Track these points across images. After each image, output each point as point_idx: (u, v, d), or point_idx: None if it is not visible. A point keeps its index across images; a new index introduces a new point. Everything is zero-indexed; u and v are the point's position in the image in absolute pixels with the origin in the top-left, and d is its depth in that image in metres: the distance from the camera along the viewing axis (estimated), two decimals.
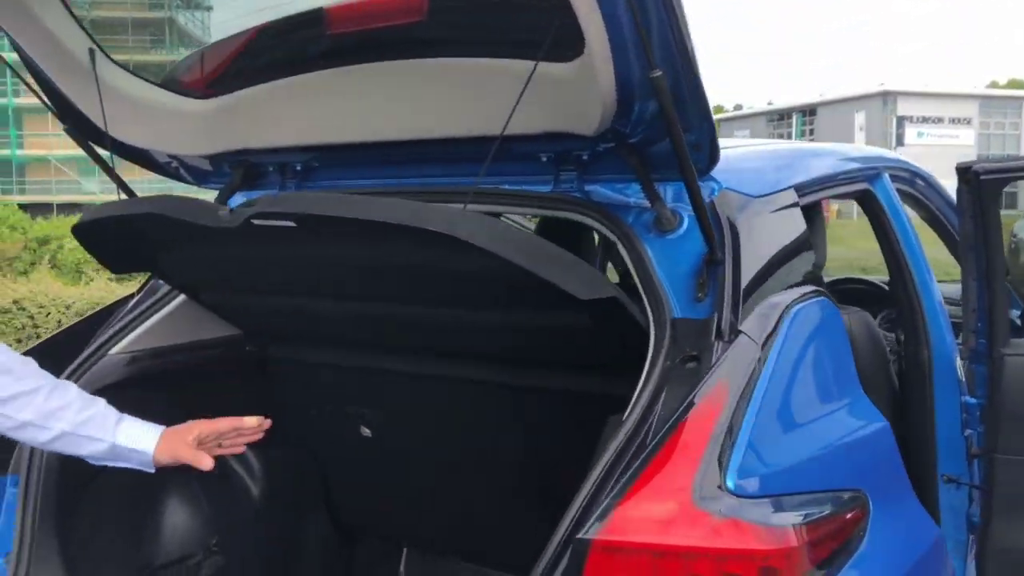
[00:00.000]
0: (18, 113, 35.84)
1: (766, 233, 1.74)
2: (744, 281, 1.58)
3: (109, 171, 2.18)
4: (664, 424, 1.33)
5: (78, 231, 1.84)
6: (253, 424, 1.73)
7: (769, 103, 63.75)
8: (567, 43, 1.54)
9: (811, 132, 46.32)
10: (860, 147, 2.84)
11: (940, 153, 29.51)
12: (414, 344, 2.07)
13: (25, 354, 1.80)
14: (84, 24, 1.99)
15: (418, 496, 2.48)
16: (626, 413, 1.42)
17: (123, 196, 2.15)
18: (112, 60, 2.05)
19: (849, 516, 1.45)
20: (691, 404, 1.33)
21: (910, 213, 2.46)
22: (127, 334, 2.15)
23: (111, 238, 1.91)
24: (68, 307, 7.85)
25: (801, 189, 1.91)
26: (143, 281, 2.35)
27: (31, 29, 1.90)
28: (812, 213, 2.05)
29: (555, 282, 1.39)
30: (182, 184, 2.46)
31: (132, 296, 2.33)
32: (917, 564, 1.69)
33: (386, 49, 1.90)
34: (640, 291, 1.61)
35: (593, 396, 1.93)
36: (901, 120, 42.59)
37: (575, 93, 1.56)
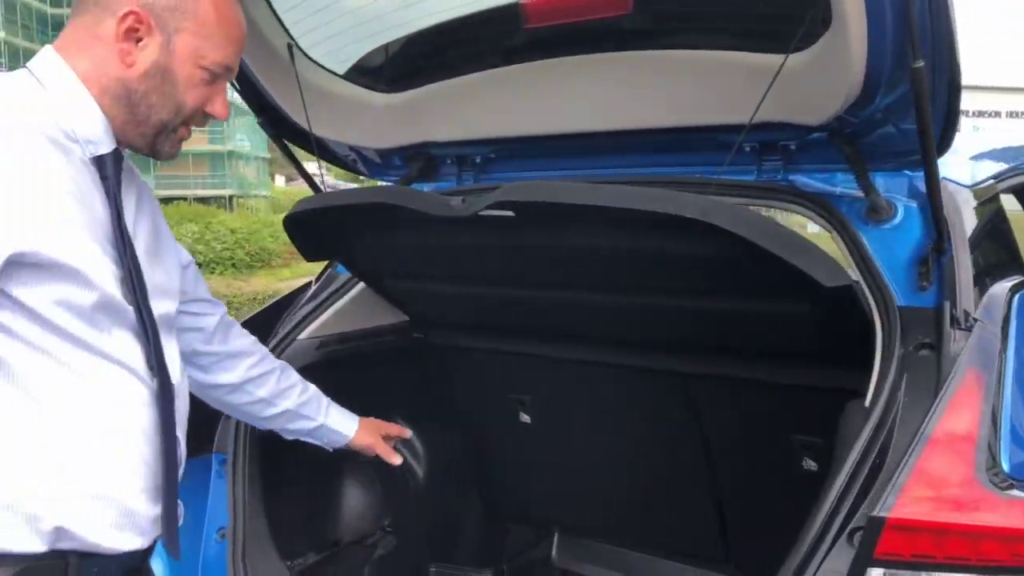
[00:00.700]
0: None
1: (978, 222, 1.75)
2: (968, 269, 1.60)
3: (298, 166, 2.26)
4: (918, 409, 1.35)
5: (291, 220, 1.90)
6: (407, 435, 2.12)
7: None
8: (797, 33, 1.58)
9: None
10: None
11: None
12: (603, 332, 2.11)
13: None
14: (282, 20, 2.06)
15: (575, 483, 2.53)
16: (868, 400, 1.45)
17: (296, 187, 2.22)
18: (305, 55, 2.12)
19: None
20: (948, 390, 1.35)
21: None
22: (313, 320, 2.23)
23: (315, 227, 1.97)
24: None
25: (998, 179, 1.92)
26: None
27: None
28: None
29: (803, 268, 1.42)
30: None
31: (308, 286, 2.41)
32: None
33: (582, 43, 1.94)
34: (861, 280, 1.63)
35: (778, 386, 1.96)
36: None
37: (804, 83, 1.58)
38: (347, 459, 2.38)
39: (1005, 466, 1.25)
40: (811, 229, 2.27)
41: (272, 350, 2.13)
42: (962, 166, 1.85)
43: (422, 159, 2.29)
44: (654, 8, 1.83)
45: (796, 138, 1.76)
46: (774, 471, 2.11)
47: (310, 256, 2.11)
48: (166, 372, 1.34)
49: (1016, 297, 1.60)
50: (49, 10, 35.58)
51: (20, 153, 1.16)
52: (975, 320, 1.49)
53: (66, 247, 1.19)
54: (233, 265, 21.20)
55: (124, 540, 1.27)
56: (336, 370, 2.24)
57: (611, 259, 1.75)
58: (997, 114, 42.40)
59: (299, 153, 2.29)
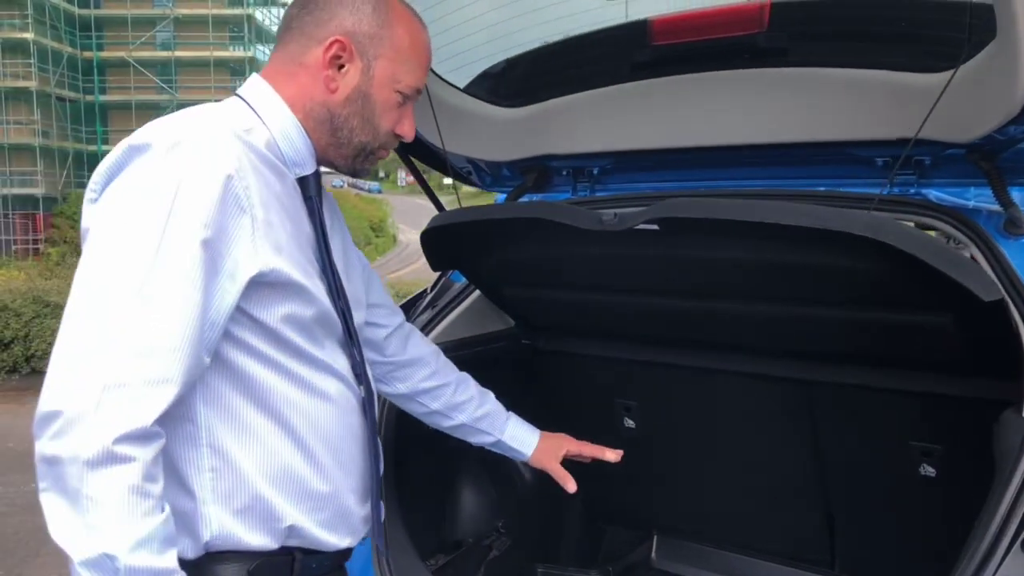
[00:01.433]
0: (104, 109, 37.11)
1: None
2: None
3: (422, 181, 2.32)
4: None
5: (435, 232, 1.97)
6: (613, 458, 1.95)
7: None
8: (947, 54, 1.62)
9: None
10: None
11: None
12: (724, 339, 2.16)
13: None
14: None
15: (677, 486, 2.58)
16: None
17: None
18: (431, 70, 2.18)
19: None
20: None
21: None
22: (434, 328, 2.29)
23: (452, 239, 2.04)
24: None
25: None
26: None
27: None
28: None
29: (964, 283, 1.47)
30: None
31: (424, 294, 2.48)
32: None
33: (708, 59, 1.99)
34: (1004, 292, 1.67)
35: (902, 393, 2.01)
36: None
37: (955, 100, 1.62)
38: (464, 463, 2.46)
39: None
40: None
41: None
42: None
43: (537, 171, 2.35)
44: (790, 26, 1.88)
45: (932, 154, 1.80)
46: (889, 476, 2.15)
47: (439, 266, 2.17)
48: (369, 379, 1.42)
49: None
50: (77, 11, 35.97)
51: (255, 176, 1.22)
52: None
53: (295, 266, 1.26)
54: None
55: (339, 538, 1.36)
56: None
57: (751, 270, 1.80)
58: None
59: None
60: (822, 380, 2.12)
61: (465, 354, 2.31)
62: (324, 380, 1.33)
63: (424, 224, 2.00)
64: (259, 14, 40.17)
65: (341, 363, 1.37)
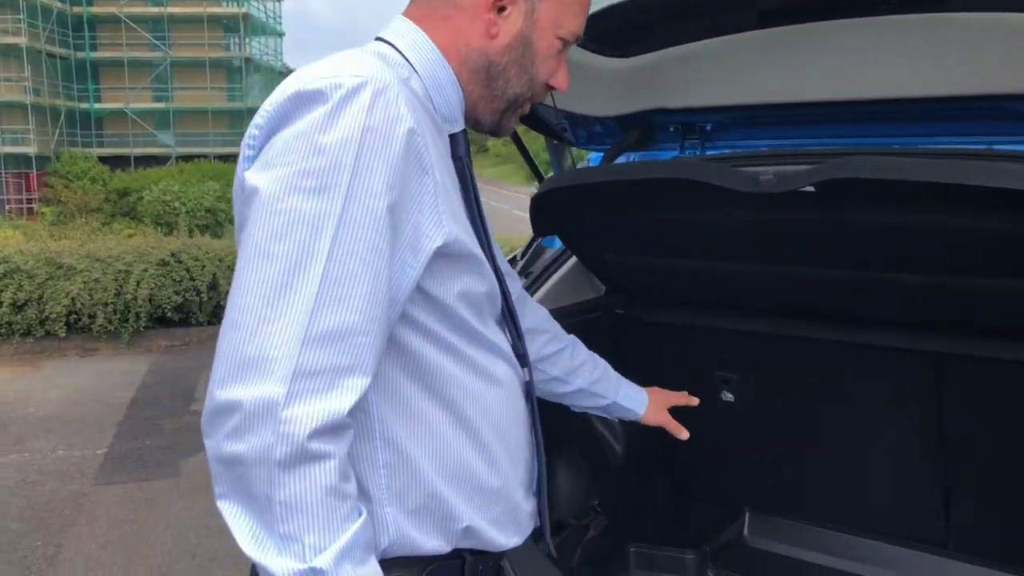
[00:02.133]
0: (95, 67, 36.41)
1: None
2: None
3: (520, 144, 2.15)
4: None
5: (547, 195, 1.81)
6: (694, 402, 1.92)
7: None
8: None
9: None
10: None
11: None
12: (846, 310, 2.01)
13: None
14: None
15: (775, 462, 2.46)
16: None
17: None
18: None
19: None
20: None
21: None
22: (533, 295, 2.14)
23: (564, 202, 1.88)
24: (220, 260, 7.97)
25: None
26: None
27: None
28: None
29: None
30: None
31: (514, 261, 2.32)
32: None
33: (838, 6, 1.82)
34: None
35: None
36: None
37: None
38: (558, 442, 2.33)
39: None
40: None
41: None
42: None
43: (642, 126, 2.18)
44: None
45: None
46: (1018, 454, 2.03)
47: (544, 231, 2.01)
48: (528, 360, 1.27)
49: None
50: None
51: (428, 131, 1.06)
52: None
53: (468, 235, 1.11)
54: None
55: (507, 537, 1.22)
56: None
57: (909, 236, 1.65)
58: None
59: None
60: (957, 353, 1.99)
61: (567, 324, 2.17)
62: (494, 363, 1.19)
63: None
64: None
65: (505, 343, 1.23)
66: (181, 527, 4.14)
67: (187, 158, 33.71)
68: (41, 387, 6.71)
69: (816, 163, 1.59)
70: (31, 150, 32.87)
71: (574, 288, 2.29)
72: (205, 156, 34.05)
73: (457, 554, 1.16)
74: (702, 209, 1.75)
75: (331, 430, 0.92)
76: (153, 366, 7.36)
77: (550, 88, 1.26)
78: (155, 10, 36.93)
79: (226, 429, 0.91)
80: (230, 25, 37.64)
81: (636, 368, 2.50)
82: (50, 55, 33.96)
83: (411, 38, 1.16)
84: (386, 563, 1.09)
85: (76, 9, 35.63)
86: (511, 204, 38.21)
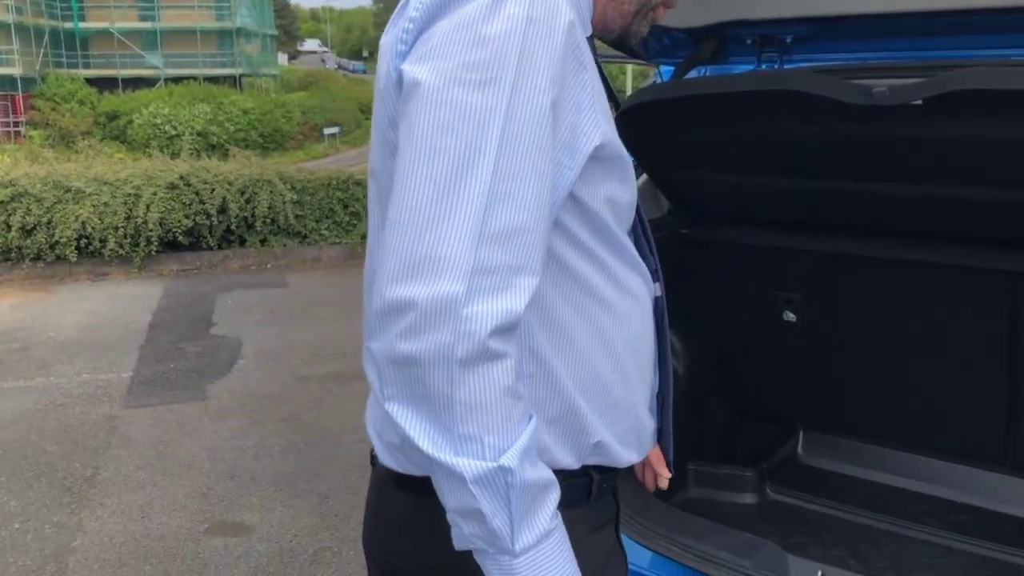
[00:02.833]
0: None
1: None
2: None
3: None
4: None
5: (639, 108, 1.75)
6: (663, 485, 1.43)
7: None
8: None
9: None
10: None
11: None
12: (927, 227, 1.99)
13: None
14: None
15: (836, 381, 2.47)
16: None
17: None
18: None
19: None
20: None
21: None
22: None
23: (651, 118, 1.83)
24: (231, 183, 7.87)
25: None
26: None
27: None
28: None
29: None
30: None
31: None
32: None
33: None
34: None
35: None
36: None
37: None
38: None
39: None
40: None
41: None
42: None
43: (716, 39, 2.11)
44: None
45: None
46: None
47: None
48: (660, 275, 1.24)
49: None
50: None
51: (580, 28, 1.00)
52: None
53: (616, 136, 1.06)
54: (247, 147, 20.89)
55: (631, 453, 1.19)
56: None
57: (1010, 151, 1.62)
58: None
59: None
60: None
61: None
62: (630, 275, 1.15)
63: None
64: None
65: (637, 254, 1.18)
66: (216, 449, 4.18)
67: (176, 80, 33.07)
68: (57, 312, 6.68)
69: (919, 76, 1.54)
70: (16, 71, 32.14)
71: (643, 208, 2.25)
72: (195, 78, 33.40)
73: (584, 471, 1.14)
74: (801, 123, 1.70)
75: (508, 329, 0.89)
76: (167, 290, 7.33)
77: None
78: None
79: (399, 328, 0.88)
80: None
81: (698, 292, 2.50)
82: None
83: None
84: None
85: None
86: None
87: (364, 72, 68.03)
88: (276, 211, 7.93)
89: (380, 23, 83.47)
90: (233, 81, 36.00)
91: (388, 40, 1.03)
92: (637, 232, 1.21)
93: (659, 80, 2.49)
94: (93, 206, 7.38)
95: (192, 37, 35.84)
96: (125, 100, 30.96)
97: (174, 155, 9.93)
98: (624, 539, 1.28)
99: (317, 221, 8.26)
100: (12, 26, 31.83)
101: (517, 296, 0.90)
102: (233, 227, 7.96)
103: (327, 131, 31.90)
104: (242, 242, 8.12)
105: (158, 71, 35.26)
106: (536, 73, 0.92)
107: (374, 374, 0.96)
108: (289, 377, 5.18)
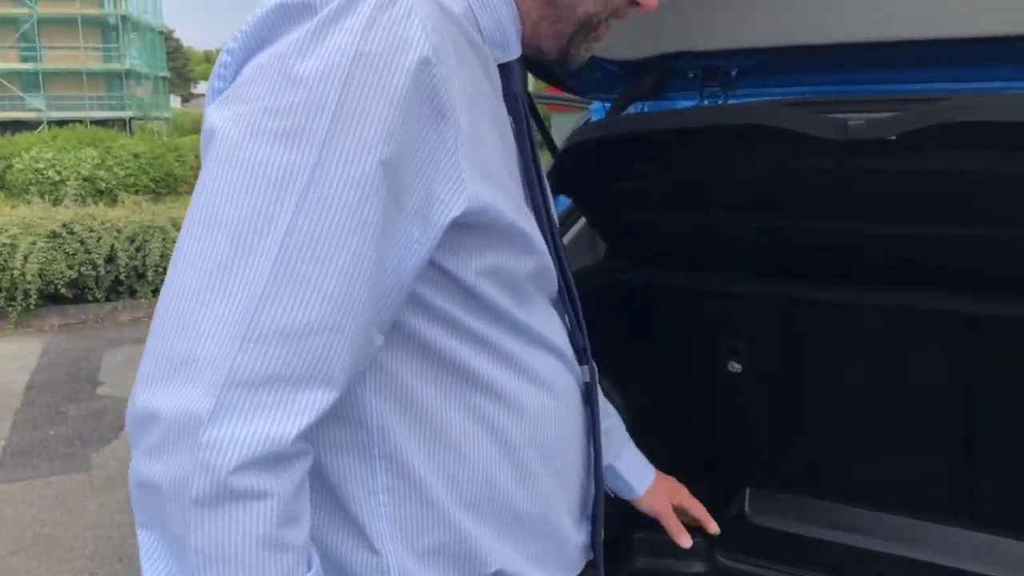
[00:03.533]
0: None
1: None
2: None
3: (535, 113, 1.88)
4: None
5: (583, 146, 1.57)
6: (713, 530, 1.63)
7: None
8: None
9: None
10: None
11: None
12: (881, 270, 1.87)
13: None
14: None
15: (781, 433, 2.32)
16: None
17: None
18: None
19: None
20: None
21: None
22: None
23: (598, 155, 1.65)
24: (119, 231, 7.38)
25: None
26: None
27: None
28: None
29: None
30: None
31: None
32: None
33: None
34: None
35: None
36: None
37: None
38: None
39: None
40: None
41: None
42: None
43: (657, 72, 1.96)
44: None
45: None
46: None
47: (566, 189, 1.78)
48: (589, 355, 1.02)
49: None
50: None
51: (458, 61, 0.79)
52: None
53: (508, 198, 0.84)
54: (137, 192, 20.00)
55: (551, 574, 0.98)
56: None
57: (987, 186, 1.50)
58: None
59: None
60: (997, 314, 1.87)
61: None
62: (539, 358, 0.93)
63: None
64: None
65: (558, 334, 0.97)
66: (102, 526, 3.75)
67: (61, 123, 31.65)
68: None
69: (881, 111, 1.42)
70: None
71: (578, 255, 2.08)
72: (80, 121, 32.03)
73: None
74: (761, 159, 1.55)
75: (269, 462, 0.68)
76: (48, 347, 6.75)
77: (635, 4, 1.00)
78: None
79: (145, 444, 0.68)
80: None
81: (636, 341, 2.32)
82: None
83: None
84: None
85: None
86: None
87: None
88: (169, 259, 7.45)
89: None
90: (123, 124, 34.72)
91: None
92: (561, 304, 0.99)
93: (592, 119, 2.33)
94: None
95: (78, 79, 34.48)
96: (3, 144, 29.47)
97: (56, 202, 9.32)
98: None
99: None
100: None
101: (288, 418, 0.69)
102: (122, 277, 7.45)
103: None
104: (132, 293, 7.60)
105: (40, 114, 33.71)
106: (361, 125, 0.71)
107: None
108: None
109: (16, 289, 7.00)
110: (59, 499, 4.03)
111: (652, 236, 2.01)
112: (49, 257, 7.02)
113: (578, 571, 1.04)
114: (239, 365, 0.67)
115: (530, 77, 2.54)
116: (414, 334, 0.82)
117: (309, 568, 0.72)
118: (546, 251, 0.91)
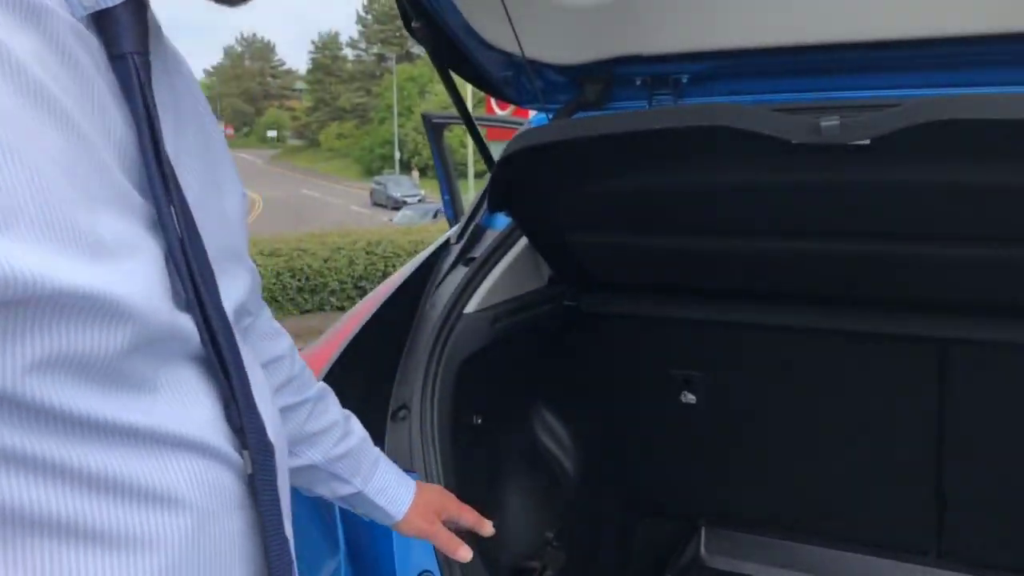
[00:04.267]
0: None
1: None
2: None
3: (458, 101, 1.71)
4: None
5: (520, 155, 1.39)
6: (488, 532, 1.26)
7: None
8: None
9: None
10: None
11: None
12: (841, 292, 1.72)
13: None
14: None
15: (740, 469, 2.17)
16: None
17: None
18: None
19: None
20: None
21: None
22: (479, 286, 1.73)
23: (537, 167, 1.47)
24: None
25: None
26: None
27: None
28: None
29: None
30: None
31: (447, 244, 1.89)
32: None
33: None
34: None
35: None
36: None
37: None
38: (507, 462, 1.93)
39: None
40: None
41: (441, 329, 1.62)
42: None
43: (603, 79, 1.79)
44: None
45: None
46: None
47: (501, 204, 1.60)
48: (261, 426, 0.73)
49: None
50: None
51: None
52: None
53: (71, 245, 0.56)
54: None
55: None
56: (508, 351, 1.77)
57: (966, 197, 1.36)
58: None
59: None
60: (969, 338, 1.74)
61: (515, 324, 1.78)
62: (152, 465, 0.63)
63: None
64: None
65: (193, 419, 0.67)
66: None
67: None
68: None
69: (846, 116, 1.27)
70: None
71: (520, 277, 1.89)
72: None
73: None
74: (721, 168, 1.39)
75: None
76: None
77: None
78: None
79: None
80: None
81: (580, 373, 2.15)
82: None
83: None
84: None
85: None
86: (348, 199, 36.50)
87: None
88: None
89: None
90: None
91: None
92: (207, 366, 0.70)
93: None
94: None
95: None
96: None
97: None
98: None
99: None
100: None
101: None
102: None
103: None
104: None
105: None
106: None
107: None
108: None
109: None
110: None
111: (600, 258, 1.83)
112: None
113: None
114: None
115: (471, 89, 2.36)
116: None
117: None
118: (153, 304, 0.62)
